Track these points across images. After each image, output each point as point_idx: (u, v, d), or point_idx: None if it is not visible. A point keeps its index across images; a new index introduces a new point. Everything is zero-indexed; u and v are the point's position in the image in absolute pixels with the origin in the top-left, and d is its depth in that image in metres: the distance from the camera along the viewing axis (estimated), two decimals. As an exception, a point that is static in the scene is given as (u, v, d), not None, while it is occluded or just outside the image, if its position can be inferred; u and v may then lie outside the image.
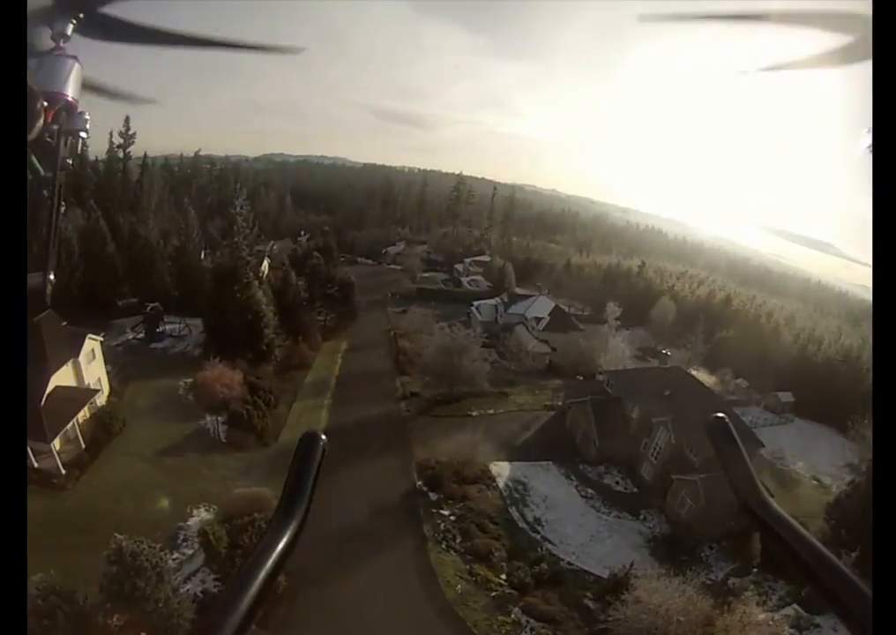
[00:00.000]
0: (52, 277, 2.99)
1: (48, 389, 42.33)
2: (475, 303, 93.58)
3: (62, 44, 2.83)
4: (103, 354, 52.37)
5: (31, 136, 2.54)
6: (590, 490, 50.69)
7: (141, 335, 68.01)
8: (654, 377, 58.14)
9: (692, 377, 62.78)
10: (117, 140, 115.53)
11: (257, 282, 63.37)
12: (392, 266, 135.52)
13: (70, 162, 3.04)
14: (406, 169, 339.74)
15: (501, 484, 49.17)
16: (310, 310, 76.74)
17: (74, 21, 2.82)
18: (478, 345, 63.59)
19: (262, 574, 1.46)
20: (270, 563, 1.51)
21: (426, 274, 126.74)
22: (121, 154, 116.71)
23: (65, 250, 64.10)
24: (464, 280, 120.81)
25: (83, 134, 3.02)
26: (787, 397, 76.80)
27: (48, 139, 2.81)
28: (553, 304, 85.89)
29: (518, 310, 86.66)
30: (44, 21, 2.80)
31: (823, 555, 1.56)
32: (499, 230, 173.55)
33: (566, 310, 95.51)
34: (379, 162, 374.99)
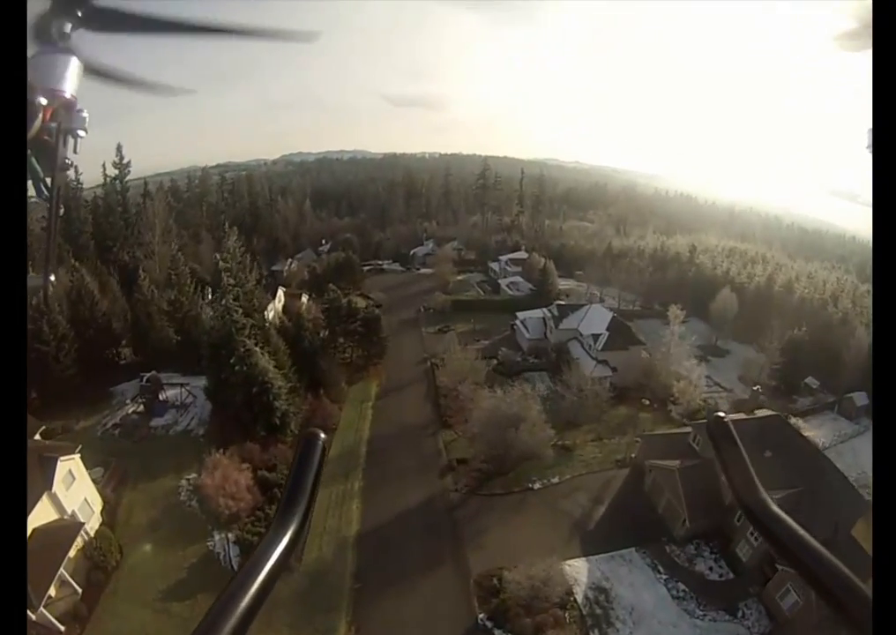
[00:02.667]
0: (53, 278, 2.98)
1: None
2: (520, 317, 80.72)
3: (61, 42, 2.71)
4: (86, 469, 43.46)
5: (30, 134, 2.47)
6: (681, 587, 39.55)
7: (141, 409, 59.42)
8: (751, 432, 45.20)
9: (793, 428, 51.84)
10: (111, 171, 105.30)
11: (258, 349, 52.11)
12: (423, 271, 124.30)
13: (70, 162, 2.90)
14: (427, 155, 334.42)
15: (580, 597, 37.50)
16: (332, 352, 65.98)
17: (73, 20, 2.72)
18: (538, 406, 51.16)
19: (262, 574, 1.49)
20: (270, 562, 1.54)
21: (460, 277, 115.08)
22: (119, 186, 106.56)
23: (50, 320, 58.83)
24: (502, 282, 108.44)
25: (81, 132, 2.87)
26: (861, 399, 65.74)
27: (47, 138, 2.72)
28: (610, 315, 72.61)
29: (570, 324, 73.98)
30: (43, 19, 2.66)
31: (822, 556, 1.59)
32: (529, 214, 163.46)
33: (616, 305, 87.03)
34: (399, 151, 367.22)
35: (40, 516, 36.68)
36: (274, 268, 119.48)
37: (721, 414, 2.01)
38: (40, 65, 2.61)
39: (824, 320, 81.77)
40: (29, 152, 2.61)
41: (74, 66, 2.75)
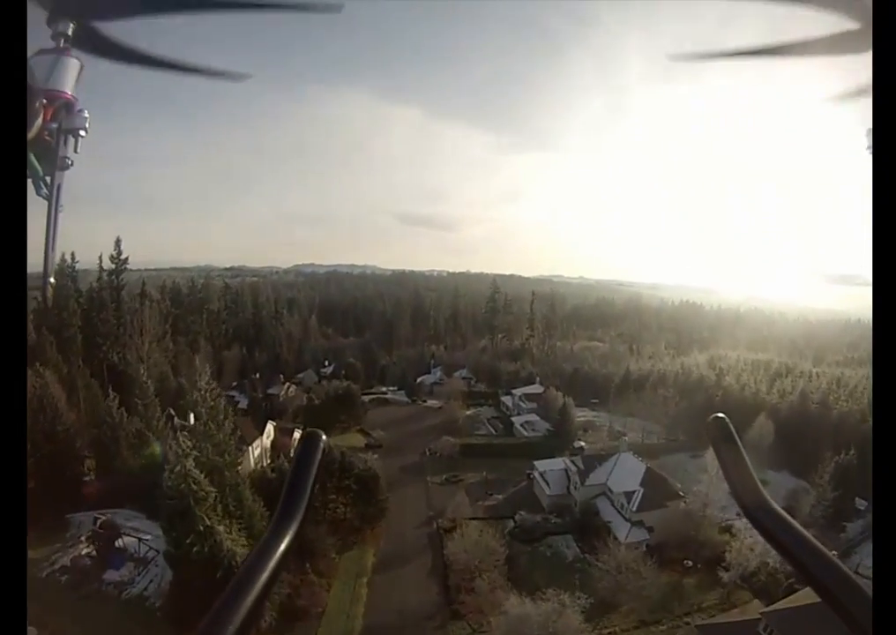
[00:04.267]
0: (52, 279, 2.72)
1: None
2: (540, 468, 70.12)
3: (62, 42, 2.57)
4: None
5: (30, 134, 2.39)
6: None
7: (94, 553, 52.28)
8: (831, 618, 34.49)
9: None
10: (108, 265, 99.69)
11: (224, 525, 43.79)
12: (430, 403, 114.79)
13: (70, 162, 2.73)
14: (435, 273, 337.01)
15: None
16: (322, 512, 56.05)
17: (70, 19, 2.57)
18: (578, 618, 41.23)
19: (262, 575, 1.47)
20: (270, 563, 1.52)
21: (469, 412, 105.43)
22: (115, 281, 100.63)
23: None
24: (516, 420, 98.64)
25: (82, 132, 2.70)
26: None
27: (47, 138, 2.59)
28: (643, 468, 62.82)
29: (598, 479, 63.46)
30: (44, 20, 2.55)
31: (823, 556, 1.56)
32: (539, 336, 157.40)
33: (640, 439, 78.86)
34: (408, 268, 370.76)
35: None
36: (270, 391, 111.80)
37: (721, 414, 1.89)
38: (39, 66, 2.48)
39: (864, 434, 71.25)
40: (29, 152, 2.42)
41: (74, 66, 2.58)
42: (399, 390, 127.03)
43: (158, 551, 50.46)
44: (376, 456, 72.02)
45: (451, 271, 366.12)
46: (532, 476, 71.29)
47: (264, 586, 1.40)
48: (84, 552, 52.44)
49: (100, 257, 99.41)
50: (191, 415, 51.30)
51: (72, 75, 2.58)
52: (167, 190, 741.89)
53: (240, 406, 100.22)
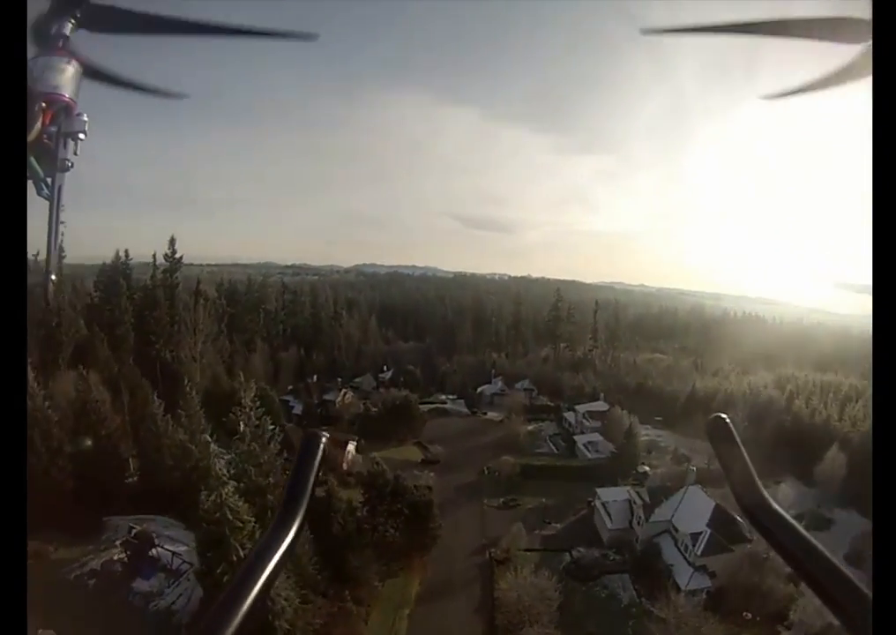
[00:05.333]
0: (53, 277, 3.00)
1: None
2: (602, 497, 65.86)
3: (60, 45, 2.67)
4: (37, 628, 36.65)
5: (30, 137, 2.48)
6: None
7: (123, 557, 51.33)
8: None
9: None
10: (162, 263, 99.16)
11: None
12: (490, 415, 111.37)
13: (70, 164, 2.79)
14: (497, 277, 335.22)
15: None
16: (369, 536, 53.23)
17: (73, 21, 2.70)
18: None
19: (263, 573, 1.46)
20: (271, 561, 1.51)
21: (530, 427, 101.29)
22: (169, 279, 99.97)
23: (44, 430, 55.06)
24: (578, 440, 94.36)
25: (81, 135, 2.79)
26: None
27: (47, 141, 2.69)
28: (711, 505, 57.52)
29: (663, 515, 58.96)
30: (43, 21, 2.66)
31: (823, 557, 1.55)
32: (602, 347, 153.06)
33: (706, 465, 69.93)
34: (469, 271, 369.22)
35: None
36: (326, 397, 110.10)
37: (721, 414, 1.88)
38: (39, 68, 2.56)
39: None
40: (29, 154, 2.53)
41: (74, 69, 2.67)
42: (458, 399, 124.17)
43: (191, 564, 48.79)
44: (432, 473, 69.32)
45: (512, 274, 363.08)
46: (593, 505, 67.51)
47: (263, 586, 1.40)
48: (116, 558, 51.44)
49: (154, 255, 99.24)
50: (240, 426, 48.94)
51: (72, 79, 2.60)
52: (229, 190, 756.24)
53: (294, 411, 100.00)
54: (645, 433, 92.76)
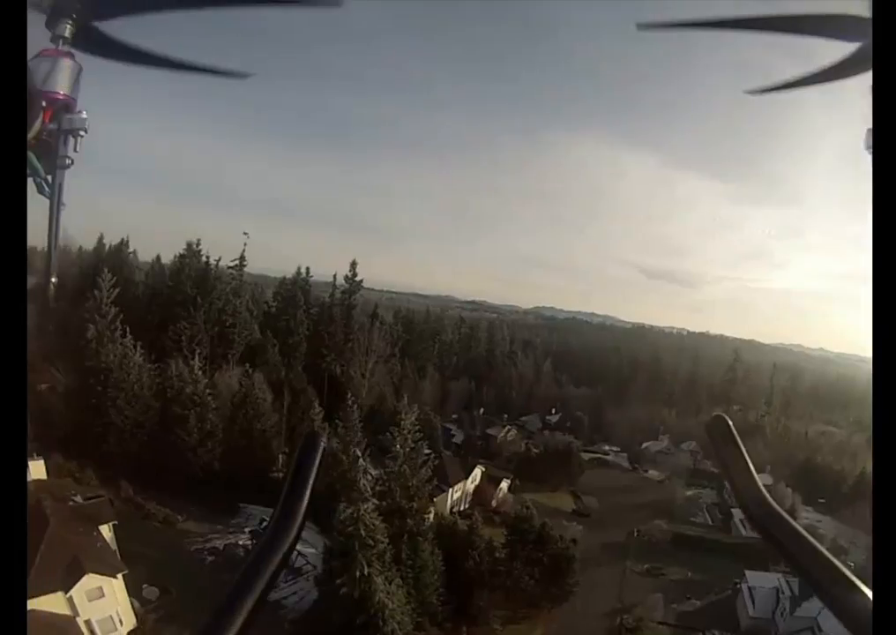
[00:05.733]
0: (54, 279, 2.81)
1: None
2: (750, 582, 62.49)
3: (61, 44, 2.59)
4: (127, 590, 41.23)
5: (30, 135, 2.42)
6: None
7: (249, 544, 54.20)
8: None
9: None
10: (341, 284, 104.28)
11: (385, 576, 42.61)
12: (650, 473, 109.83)
13: (71, 161, 2.73)
14: (675, 331, 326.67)
15: None
16: (501, 578, 52.86)
17: (71, 22, 2.58)
18: None
19: (264, 574, 1.47)
20: (272, 562, 1.51)
21: (689, 492, 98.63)
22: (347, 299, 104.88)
23: (200, 413, 61.61)
24: (736, 514, 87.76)
25: (82, 132, 2.70)
26: None
27: (47, 139, 2.61)
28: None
29: (809, 611, 54.13)
30: (43, 21, 2.59)
31: (823, 557, 1.55)
32: (775, 414, 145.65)
33: (865, 559, 64.81)
34: (647, 323, 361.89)
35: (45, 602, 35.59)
36: (489, 432, 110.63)
37: (721, 413, 1.92)
38: (39, 67, 2.52)
39: None
40: (30, 153, 2.47)
41: (74, 69, 2.61)
42: (621, 452, 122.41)
43: (314, 567, 50.41)
44: (580, 527, 68.64)
45: (690, 330, 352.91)
46: (738, 587, 64.24)
47: (262, 590, 1.39)
48: (241, 542, 53.92)
49: (335, 276, 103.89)
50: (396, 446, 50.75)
51: (72, 77, 2.58)
52: (412, 221, 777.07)
53: (454, 440, 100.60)
54: (806, 516, 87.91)
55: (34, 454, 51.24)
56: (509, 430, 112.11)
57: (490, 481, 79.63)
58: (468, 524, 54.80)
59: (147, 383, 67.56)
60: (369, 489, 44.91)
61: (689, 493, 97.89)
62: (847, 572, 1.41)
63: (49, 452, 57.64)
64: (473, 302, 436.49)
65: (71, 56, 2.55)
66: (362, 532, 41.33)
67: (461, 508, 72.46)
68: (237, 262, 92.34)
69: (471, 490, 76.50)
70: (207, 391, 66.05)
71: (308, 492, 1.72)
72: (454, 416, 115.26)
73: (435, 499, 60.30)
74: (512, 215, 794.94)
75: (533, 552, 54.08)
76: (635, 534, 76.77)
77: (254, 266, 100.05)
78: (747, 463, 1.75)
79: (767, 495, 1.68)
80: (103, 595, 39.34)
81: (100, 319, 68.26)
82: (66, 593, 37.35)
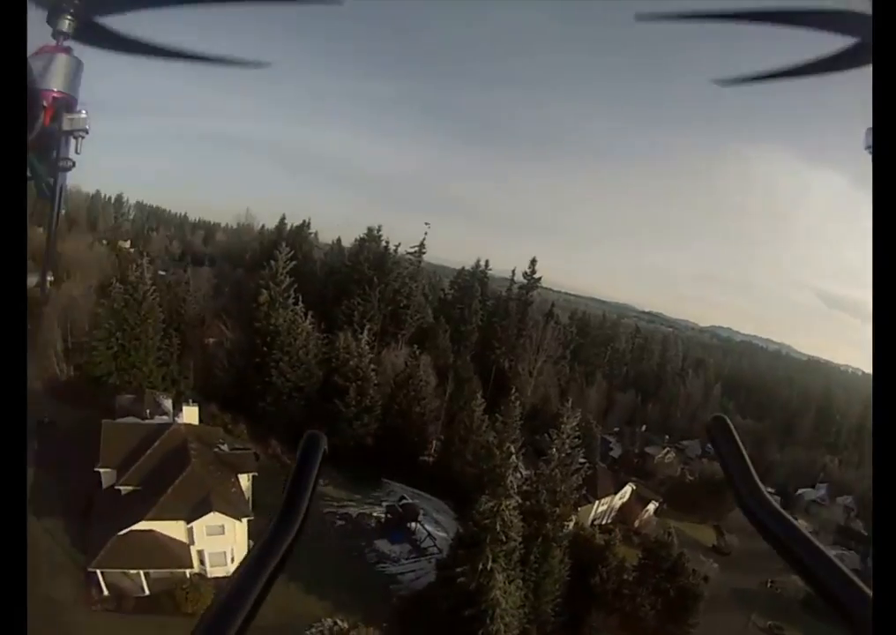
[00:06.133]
0: (51, 277, 3.32)
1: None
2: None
3: (62, 42, 2.57)
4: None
5: (30, 136, 2.38)
6: None
7: (382, 518, 56.25)
8: None
9: None
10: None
11: (507, 575, 42.34)
12: (798, 523, 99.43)
13: (72, 163, 2.73)
14: (850, 370, 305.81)
15: None
16: (622, 602, 51.60)
17: (70, 17, 2.54)
18: None
19: (263, 575, 1.43)
20: (271, 563, 1.47)
21: (833, 551, 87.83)
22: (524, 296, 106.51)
23: (360, 387, 63.00)
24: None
25: (83, 133, 2.68)
26: None
27: (48, 139, 2.60)
28: None
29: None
30: (43, 19, 2.56)
31: (823, 556, 1.50)
32: None
33: None
34: (823, 357, 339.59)
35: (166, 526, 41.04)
36: (647, 450, 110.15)
37: (720, 414, 1.85)
38: (40, 66, 2.49)
39: None
40: (30, 153, 2.47)
41: (75, 67, 2.58)
42: (775, 495, 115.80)
43: (440, 551, 51.65)
44: (716, 565, 67.69)
45: (865, 370, 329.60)
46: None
47: (261, 591, 1.35)
48: (375, 515, 55.89)
49: (514, 271, 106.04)
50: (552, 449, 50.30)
51: (74, 75, 2.61)
52: (598, 226, 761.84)
53: (612, 453, 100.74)
54: None
55: (190, 400, 55.47)
56: (668, 452, 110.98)
57: (639, 500, 78.57)
58: (606, 539, 53.92)
59: (313, 350, 70.82)
60: (515, 486, 44.88)
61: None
62: (849, 573, 1.43)
63: (207, 402, 62.91)
64: (650, 314, 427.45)
65: (71, 52, 2.60)
66: (498, 526, 41.37)
67: (603, 522, 71.84)
68: (417, 248, 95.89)
69: (617, 506, 75.74)
70: (371, 366, 68.05)
71: (309, 492, 1.72)
72: (616, 429, 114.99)
73: (579, 509, 59.99)
74: (697, 227, 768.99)
75: (663, 581, 52.29)
76: (768, 585, 73.67)
77: (433, 256, 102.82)
78: (747, 463, 1.76)
79: (768, 495, 1.70)
80: (223, 533, 42.67)
81: (274, 286, 72.54)
82: (188, 524, 41.26)
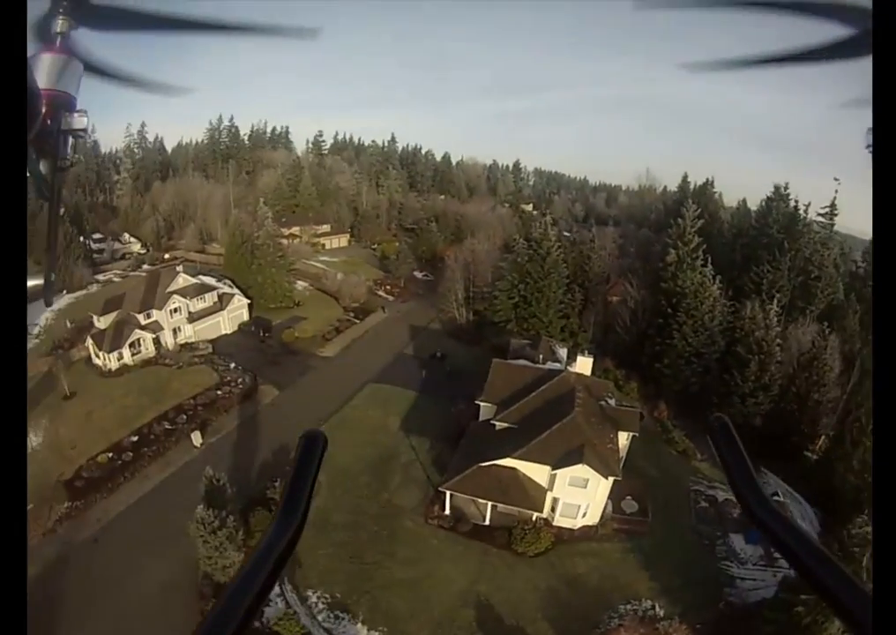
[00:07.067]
0: (53, 276, 2.89)
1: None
2: None
3: (60, 42, 2.67)
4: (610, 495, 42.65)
5: (30, 135, 2.43)
6: None
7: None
8: None
9: None
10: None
11: None
12: None
13: (70, 163, 2.87)
14: None
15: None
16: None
17: (71, 19, 2.66)
18: None
19: (265, 570, 1.44)
20: (273, 558, 1.49)
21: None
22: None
23: (761, 361, 57.91)
24: None
25: (82, 133, 2.79)
26: None
27: (48, 139, 2.70)
28: None
29: None
30: (43, 19, 2.67)
31: (823, 555, 1.54)
32: None
33: None
34: None
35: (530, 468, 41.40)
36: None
37: (721, 414, 1.86)
38: (40, 66, 2.55)
39: None
40: (30, 153, 2.53)
41: (74, 66, 2.65)
42: None
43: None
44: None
45: None
46: None
47: (263, 587, 1.39)
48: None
49: None
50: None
51: (72, 75, 2.67)
52: None
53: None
54: None
55: (586, 352, 54.41)
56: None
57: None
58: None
59: (719, 317, 65.74)
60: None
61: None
62: (848, 572, 1.45)
63: (602, 356, 62.44)
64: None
65: (73, 54, 2.60)
66: (865, 560, 30.89)
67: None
68: (828, 210, 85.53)
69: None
70: (777, 341, 60.81)
71: (309, 492, 1.69)
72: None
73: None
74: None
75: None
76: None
77: (841, 225, 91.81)
78: (747, 463, 1.78)
79: (767, 495, 1.71)
80: (584, 487, 40.79)
81: (683, 246, 69.78)
82: (553, 470, 40.49)
